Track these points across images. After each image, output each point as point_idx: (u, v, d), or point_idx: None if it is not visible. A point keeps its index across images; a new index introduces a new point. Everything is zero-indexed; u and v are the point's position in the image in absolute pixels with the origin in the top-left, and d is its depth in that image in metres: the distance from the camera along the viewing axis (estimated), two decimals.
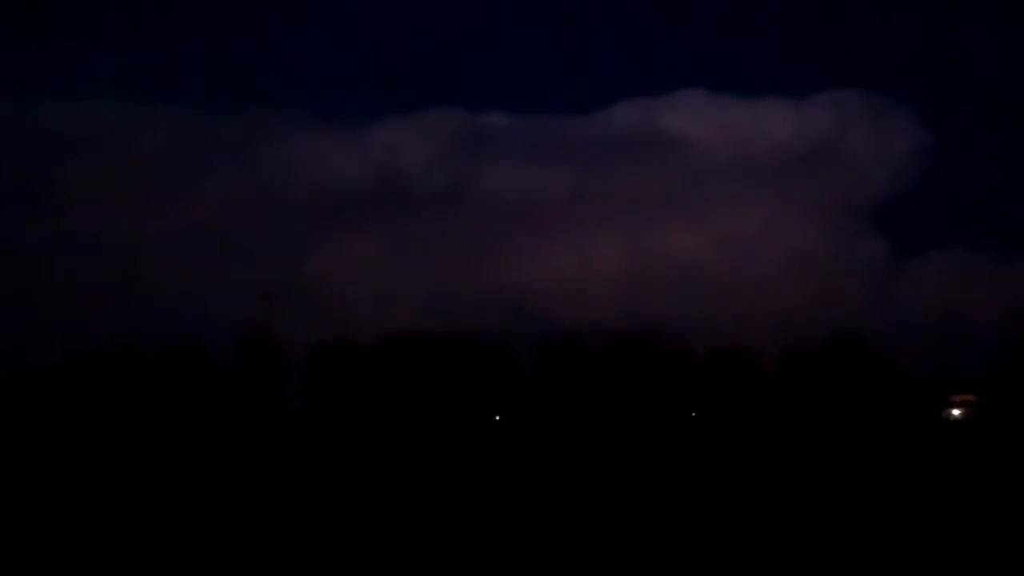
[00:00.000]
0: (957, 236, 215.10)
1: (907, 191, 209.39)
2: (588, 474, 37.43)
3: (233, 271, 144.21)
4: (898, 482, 34.42)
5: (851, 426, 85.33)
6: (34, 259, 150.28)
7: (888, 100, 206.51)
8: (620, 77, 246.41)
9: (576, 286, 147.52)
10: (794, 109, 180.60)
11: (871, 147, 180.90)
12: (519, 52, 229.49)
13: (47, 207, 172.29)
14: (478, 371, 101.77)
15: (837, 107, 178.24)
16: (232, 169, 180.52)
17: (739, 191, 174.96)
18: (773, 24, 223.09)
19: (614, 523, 22.94)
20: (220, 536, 20.85)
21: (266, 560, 18.18)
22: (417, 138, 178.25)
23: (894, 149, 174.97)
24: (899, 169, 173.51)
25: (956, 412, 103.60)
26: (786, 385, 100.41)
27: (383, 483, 33.59)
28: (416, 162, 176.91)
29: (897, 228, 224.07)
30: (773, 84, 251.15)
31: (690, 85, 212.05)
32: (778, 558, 18.41)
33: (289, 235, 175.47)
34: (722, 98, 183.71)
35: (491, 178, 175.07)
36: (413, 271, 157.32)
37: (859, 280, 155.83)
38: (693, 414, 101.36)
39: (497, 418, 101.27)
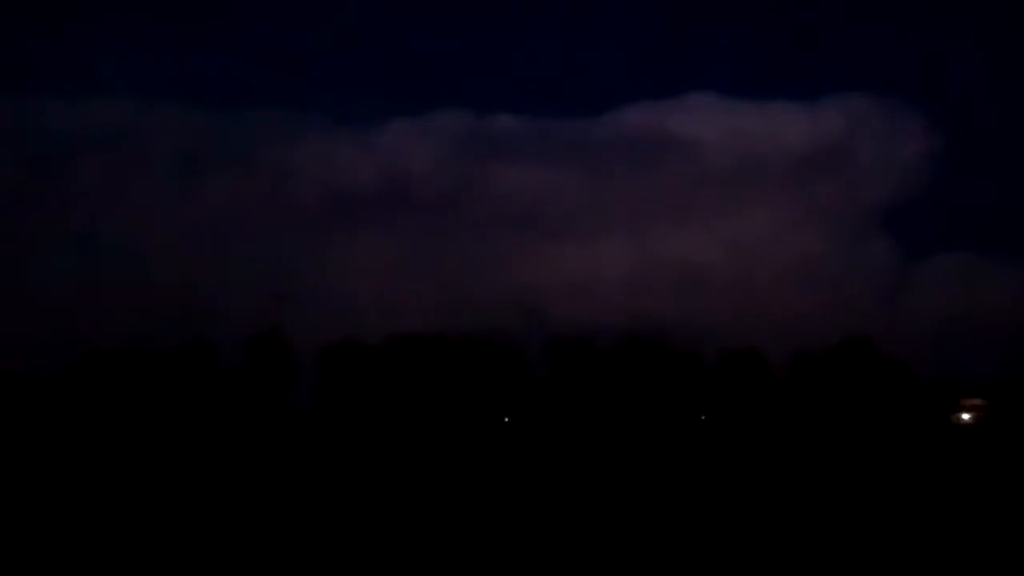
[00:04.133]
0: (966, 240, 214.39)
1: (917, 194, 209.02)
2: (597, 476, 37.45)
3: (242, 271, 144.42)
4: (907, 486, 34.37)
5: (860, 429, 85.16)
6: (43, 258, 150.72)
7: (898, 104, 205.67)
8: (629, 80, 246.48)
9: (585, 288, 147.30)
10: (804, 113, 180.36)
11: (881, 151, 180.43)
12: (528, 54, 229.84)
13: (55, 206, 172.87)
14: (487, 372, 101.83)
15: (847, 111, 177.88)
16: (240, 169, 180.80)
17: (748, 194, 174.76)
18: (783, 27, 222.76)
19: (622, 525, 22.99)
20: (230, 533, 20.96)
21: (275, 557, 18.27)
22: (425, 139, 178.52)
23: (904, 153, 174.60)
24: (909, 172, 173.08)
25: (965, 416, 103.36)
26: (796, 388, 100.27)
27: (392, 483, 33.68)
28: (424, 163, 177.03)
29: (906, 231, 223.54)
30: (783, 87, 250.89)
31: (699, 88, 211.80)
32: (787, 559, 18.45)
33: (298, 235, 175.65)
34: (731, 101, 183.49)
35: (499, 180, 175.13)
36: (422, 272, 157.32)
37: (868, 283, 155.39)
38: (703, 417, 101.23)
39: (506, 420, 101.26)
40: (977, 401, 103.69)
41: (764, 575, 17.42)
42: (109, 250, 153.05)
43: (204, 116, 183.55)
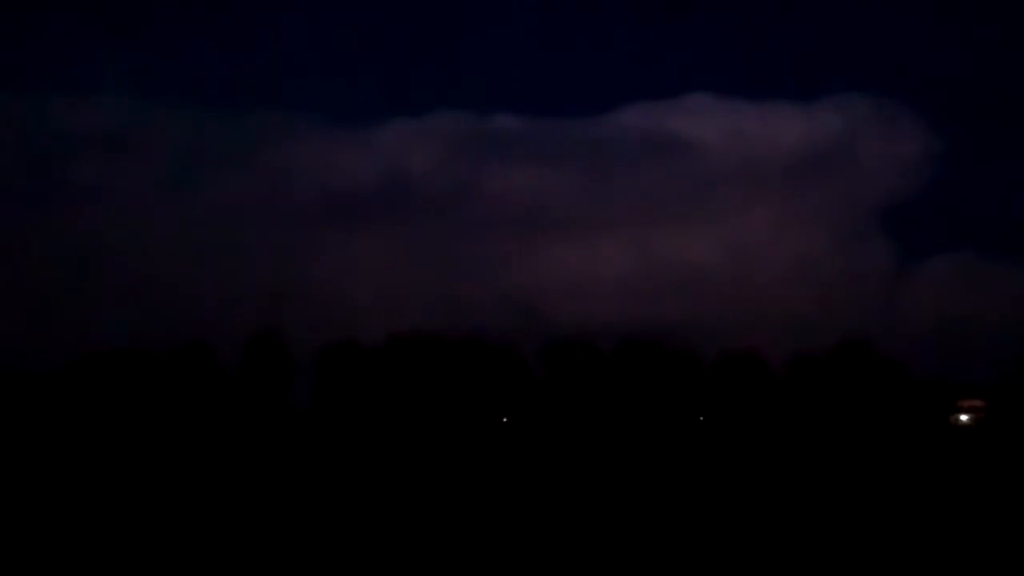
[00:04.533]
0: (966, 240, 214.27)
1: (915, 195, 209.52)
2: (595, 478, 37.48)
3: (241, 271, 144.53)
4: (906, 487, 34.40)
5: (859, 431, 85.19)
6: (43, 258, 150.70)
7: (897, 105, 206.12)
8: (628, 80, 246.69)
9: (584, 289, 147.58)
10: (803, 113, 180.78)
11: (880, 151, 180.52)
12: (527, 54, 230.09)
13: (55, 205, 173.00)
14: (485, 373, 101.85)
15: (846, 111, 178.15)
16: (240, 169, 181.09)
17: (747, 195, 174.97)
18: (782, 27, 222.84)
19: (620, 526, 23.00)
20: (228, 533, 20.97)
21: (273, 557, 18.28)
22: (425, 139, 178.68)
23: (903, 153, 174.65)
24: (908, 173, 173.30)
25: (964, 417, 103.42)
26: (794, 389, 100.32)
27: (389, 484, 33.70)
28: (424, 163, 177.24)
29: (905, 232, 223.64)
30: (782, 88, 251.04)
31: (698, 88, 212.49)
32: (787, 560, 18.46)
33: (297, 235, 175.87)
34: (730, 101, 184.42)
35: (498, 180, 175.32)
36: (420, 272, 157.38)
37: (867, 284, 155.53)
38: (701, 418, 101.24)
39: (504, 420, 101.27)
40: (976, 402, 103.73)
41: (763, 573, 17.45)
42: (109, 250, 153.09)
43: (204, 116, 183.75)
